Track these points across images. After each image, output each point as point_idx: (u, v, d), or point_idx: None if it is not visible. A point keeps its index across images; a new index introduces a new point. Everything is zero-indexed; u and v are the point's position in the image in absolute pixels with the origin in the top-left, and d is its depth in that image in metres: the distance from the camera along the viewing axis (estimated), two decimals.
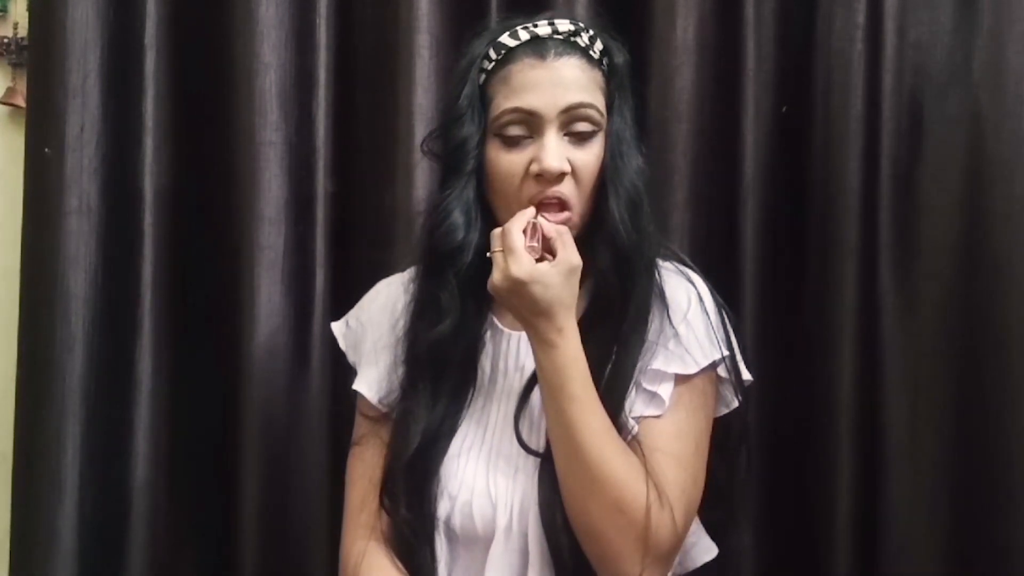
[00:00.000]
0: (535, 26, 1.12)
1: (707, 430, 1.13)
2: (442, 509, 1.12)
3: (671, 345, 1.10)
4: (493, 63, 1.12)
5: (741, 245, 1.47)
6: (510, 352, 1.17)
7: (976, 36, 1.44)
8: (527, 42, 1.11)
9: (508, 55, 1.11)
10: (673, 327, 1.11)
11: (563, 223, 1.09)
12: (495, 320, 1.19)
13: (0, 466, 1.61)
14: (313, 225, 1.55)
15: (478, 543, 1.11)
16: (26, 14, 1.62)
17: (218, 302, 1.56)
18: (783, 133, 1.49)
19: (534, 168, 1.08)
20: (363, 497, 1.18)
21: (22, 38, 1.64)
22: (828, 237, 1.46)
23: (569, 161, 1.09)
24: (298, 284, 1.55)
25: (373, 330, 1.25)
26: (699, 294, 1.15)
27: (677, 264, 1.18)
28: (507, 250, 1.04)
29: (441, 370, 1.15)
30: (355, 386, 1.23)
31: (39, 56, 1.56)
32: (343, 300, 1.53)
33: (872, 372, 1.45)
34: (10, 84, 1.65)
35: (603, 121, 1.11)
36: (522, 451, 1.11)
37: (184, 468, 1.56)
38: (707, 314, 1.14)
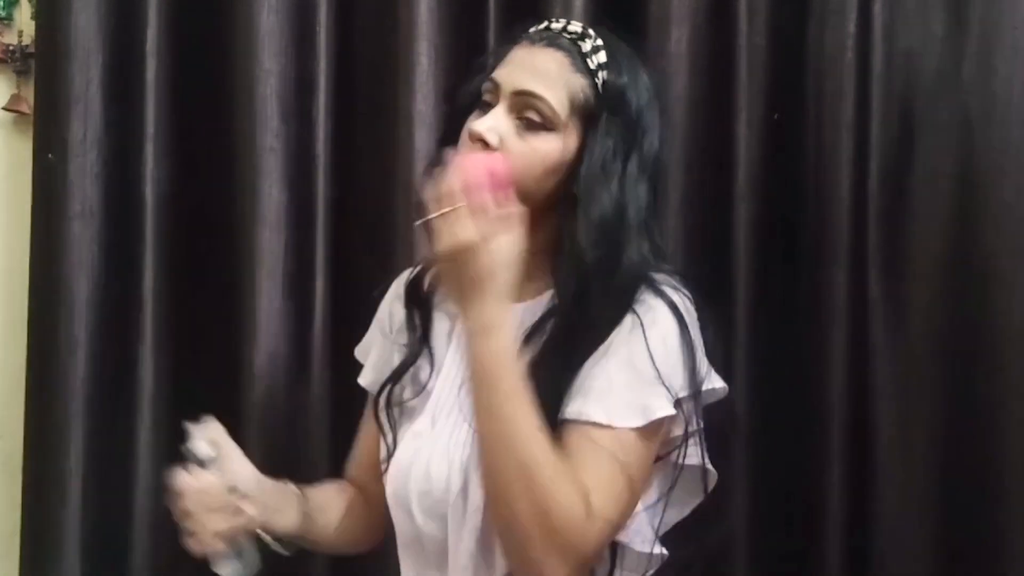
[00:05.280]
0: (556, 21, 1.14)
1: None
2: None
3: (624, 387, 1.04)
4: (512, 44, 1.15)
5: (733, 250, 1.48)
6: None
7: (966, 44, 1.44)
8: (538, 30, 1.14)
9: (521, 38, 1.14)
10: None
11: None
12: None
13: (8, 466, 1.64)
14: (313, 230, 1.57)
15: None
16: (31, 22, 1.64)
17: (219, 306, 1.58)
18: (775, 141, 1.50)
19: None
20: (354, 452, 1.27)
21: (27, 46, 1.66)
22: (819, 242, 1.47)
23: (503, 140, 1.07)
24: (298, 289, 1.57)
25: (376, 325, 1.29)
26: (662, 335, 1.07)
27: (650, 291, 1.09)
28: (470, 207, 0.98)
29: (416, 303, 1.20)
30: (359, 380, 1.27)
31: (43, 63, 1.59)
32: (343, 305, 1.56)
33: (862, 375, 1.46)
34: (15, 91, 1.67)
35: (557, 121, 1.07)
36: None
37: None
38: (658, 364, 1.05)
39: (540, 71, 1.09)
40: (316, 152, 1.57)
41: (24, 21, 1.67)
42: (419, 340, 1.18)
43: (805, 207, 1.49)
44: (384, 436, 1.18)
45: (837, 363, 1.45)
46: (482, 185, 0.99)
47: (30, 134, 1.61)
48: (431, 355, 1.17)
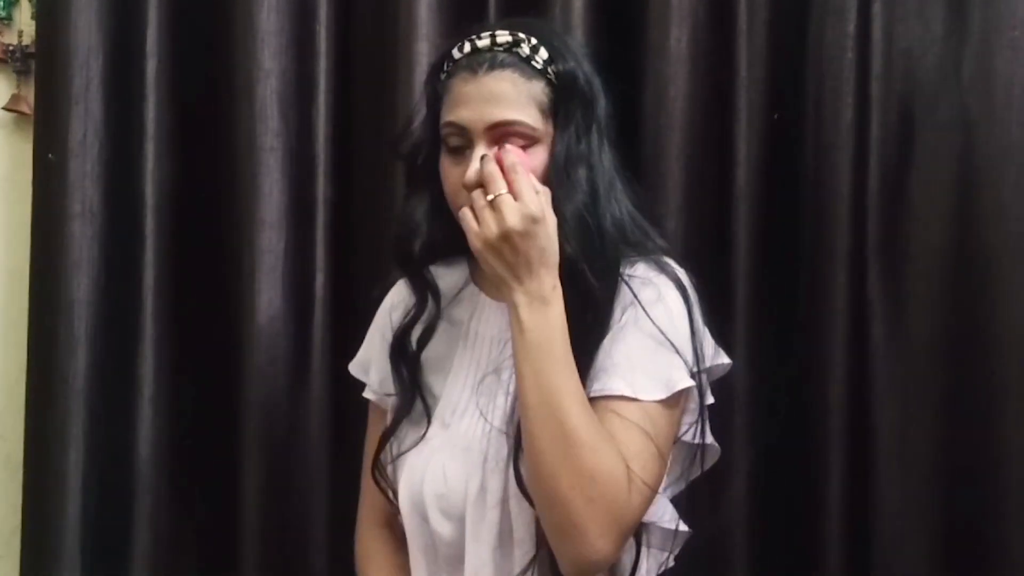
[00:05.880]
0: (479, 38, 1.12)
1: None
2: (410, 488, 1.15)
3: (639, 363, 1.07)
4: (444, 74, 1.14)
5: (734, 249, 1.48)
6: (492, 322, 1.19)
7: (965, 43, 1.44)
8: (467, 55, 1.12)
9: (452, 68, 1.13)
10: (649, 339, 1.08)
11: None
12: (483, 293, 1.21)
13: (8, 466, 1.64)
14: (313, 230, 1.57)
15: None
16: (31, 22, 1.64)
17: (219, 306, 1.58)
18: (775, 140, 1.50)
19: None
20: (370, 485, 1.24)
21: (27, 46, 1.65)
22: (819, 241, 1.47)
23: None
24: (298, 288, 1.57)
25: (375, 334, 1.29)
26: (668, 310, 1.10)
27: (651, 266, 1.13)
28: (516, 190, 1.02)
29: (403, 359, 1.20)
30: (364, 394, 1.27)
31: (43, 63, 1.59)
32: (342, 304, 1.56)
33: (862, 375, 1.46)
34: (15, 91, 1.67)
35: (538, 133, 1.10)
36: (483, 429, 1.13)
37: (185, 470, 1.58)
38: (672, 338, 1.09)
39: (500, 96, 1.09)
40: (316, 152, 1.57)
41: (24, 21, 1.67)
42: (408, 391, 1.19)
43: (805, 206, 1.49)
44: (385, 494, 1.19)
45: (837, 363, 1.45)
46: (522, 169, 1.04)
47: (30, 134, 1.61)
48: (424, 403, 1.18)
